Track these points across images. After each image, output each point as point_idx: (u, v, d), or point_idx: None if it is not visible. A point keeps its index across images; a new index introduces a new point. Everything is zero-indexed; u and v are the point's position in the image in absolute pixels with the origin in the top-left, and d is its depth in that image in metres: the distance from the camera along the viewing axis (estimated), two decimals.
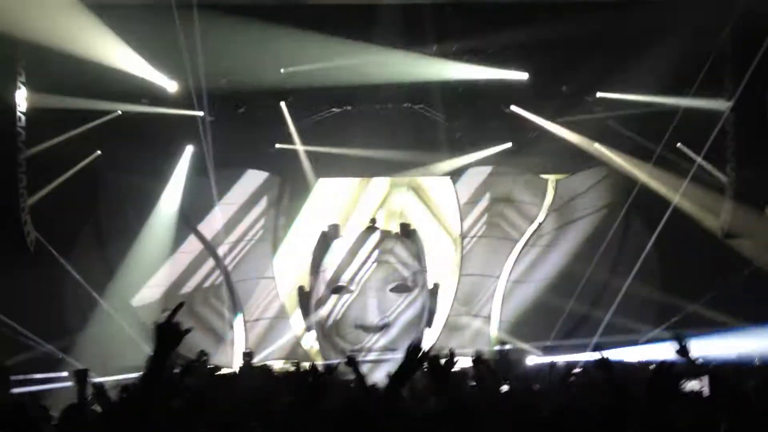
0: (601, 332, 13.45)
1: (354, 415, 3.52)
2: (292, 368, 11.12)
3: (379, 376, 11.05)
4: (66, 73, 11.48)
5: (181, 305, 3.18)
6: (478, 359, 6.30)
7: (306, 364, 12.39)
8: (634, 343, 13.35)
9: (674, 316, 12.85)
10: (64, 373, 10.35)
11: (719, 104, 11.96)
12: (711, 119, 12.24)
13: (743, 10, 11.02)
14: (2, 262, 11.29)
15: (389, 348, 12.72)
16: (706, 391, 4.93)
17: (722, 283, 12.48)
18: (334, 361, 12.39)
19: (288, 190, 14.50)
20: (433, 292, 13.49)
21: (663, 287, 13.73)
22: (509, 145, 14.46)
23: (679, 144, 13.18)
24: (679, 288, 13.24)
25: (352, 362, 5.20)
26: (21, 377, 10.64)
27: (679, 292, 13.22)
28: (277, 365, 12.89)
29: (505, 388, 7.73)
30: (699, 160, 12.27)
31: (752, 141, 11.85)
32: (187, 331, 3.13)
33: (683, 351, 4.56)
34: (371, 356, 12.74)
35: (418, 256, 13.23)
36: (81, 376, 5.09)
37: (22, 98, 11.07)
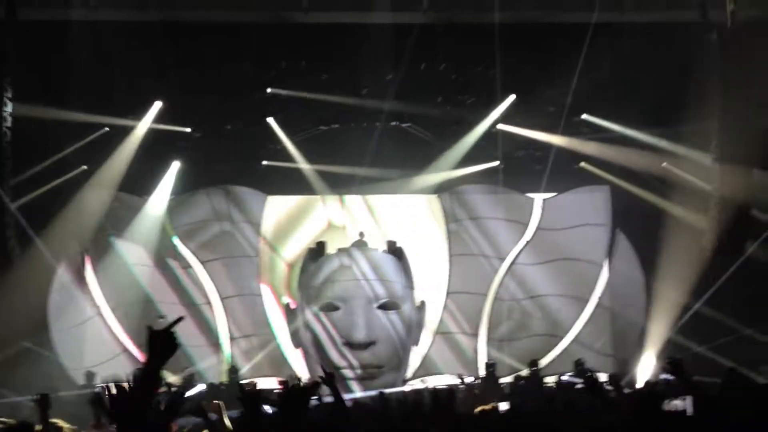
0: (586, 351, 13.49)
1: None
2: (279, 385, 11.06)
3: (363, 393, 11.03)
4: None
5: (180, 318, 3.13)
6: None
7: (292, 381, 12.46)
8: (621, 362, 13.40)
9: (658, 339, 12.89)
10: None
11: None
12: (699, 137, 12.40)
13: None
14: None
15: (376, 365, 12.68)
16: (689, 410, 4.96)
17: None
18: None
19: (274, 206, 14.50)
20: (420, 310, 13.47)
21: (649, 307, 13.78)
22: (496, 163, 14.54)
23: (664, 164, 13.31)
24: (666, 309, 13.27)
25: (330, 380, 5.16)
26: None
27: (666, 313, 13.26)
28: (264, 382, 12.84)
29: (504, 406, 7.72)
30: None
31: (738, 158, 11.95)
32: (180, 320, 3.09)
33: (675, 369, 4.56)
34: (358, 373, 12.69)
35: (405, 273, 13.22)
36: (44, 402, 5.01)
37: (7, 113, 11.20)
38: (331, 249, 13.56)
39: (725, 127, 11.62)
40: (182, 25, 12.78)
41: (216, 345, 13.89)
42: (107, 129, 13.33)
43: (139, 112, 13.63)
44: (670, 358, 4.64)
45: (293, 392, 4.06)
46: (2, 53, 11.51)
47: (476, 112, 14.17)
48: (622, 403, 4.37)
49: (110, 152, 13.50)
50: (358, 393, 12.04)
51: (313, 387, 4.12)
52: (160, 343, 3.01)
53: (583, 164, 14.20)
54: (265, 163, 14.19)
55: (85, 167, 13.56)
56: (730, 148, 11.58)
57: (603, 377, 9.43)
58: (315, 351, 12.96)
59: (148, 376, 2.99)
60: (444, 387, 10.89)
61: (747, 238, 11.94)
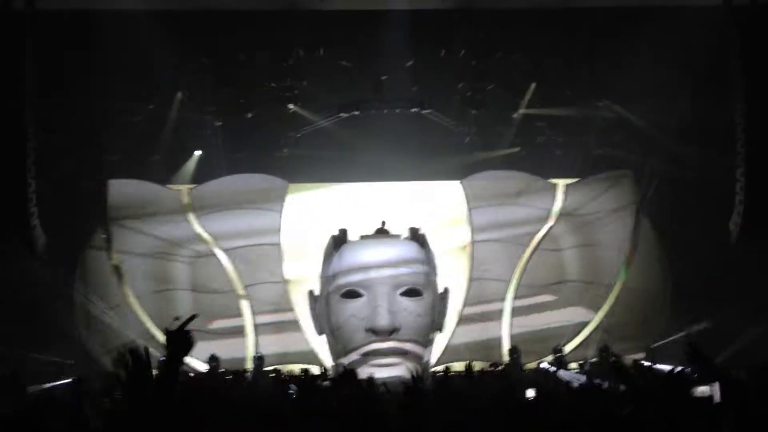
0: (611, 337, 13.42)
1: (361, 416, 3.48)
2: (302, 372, 11.10)
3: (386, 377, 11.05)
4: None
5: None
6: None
7: (315, 368, 12.51)
8: (646, 348, 13.33)
9: (687, 320, 12.78)
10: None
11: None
12: (721, 124, 12.27)
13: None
14: (11, 266, 11.40)
15: (399, 352, 12.69)
16: (716, 396, 4.90)
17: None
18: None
19: (295, 194, 14.52)
20: (443, 297, 13.47)
21: (675, 292, 13.69)
22: (518, 149, 14.47)
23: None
24: (692, 292, 13.17)
25: (351, 376, 5.16)
26: None
27: (692, 296, 13.15)
28: (288, 369, 12.91)
29: (530, 393, 7.71)
30: None
31: (764, 145, 11.81)
32: (193, 318, 3.11)
33: (696, 356, 4.50)
34: (381, 360, 12.72)
35: (428, 260, 13.20)
36: (75, 385, 5.10)
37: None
38: (353, 236, 13.57)
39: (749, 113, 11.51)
40: (199, 14, 12.79)
41: (240, 333, 13.96)
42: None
43: (158, 103, 13.72)
44: (689, 345, 4.57)
45: (313, 379, 4.08)
46: (22, 44, 11.55)
47: (497, 99, 14.12)
48: (650, 388, 4.32)
49: (133, 142, 13.63)
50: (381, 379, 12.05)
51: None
52: (176, 343, 3.08)
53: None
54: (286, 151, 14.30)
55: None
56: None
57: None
58: (338, 338, 12.98)
59: (167, 375, 3.03)
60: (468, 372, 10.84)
61: None
